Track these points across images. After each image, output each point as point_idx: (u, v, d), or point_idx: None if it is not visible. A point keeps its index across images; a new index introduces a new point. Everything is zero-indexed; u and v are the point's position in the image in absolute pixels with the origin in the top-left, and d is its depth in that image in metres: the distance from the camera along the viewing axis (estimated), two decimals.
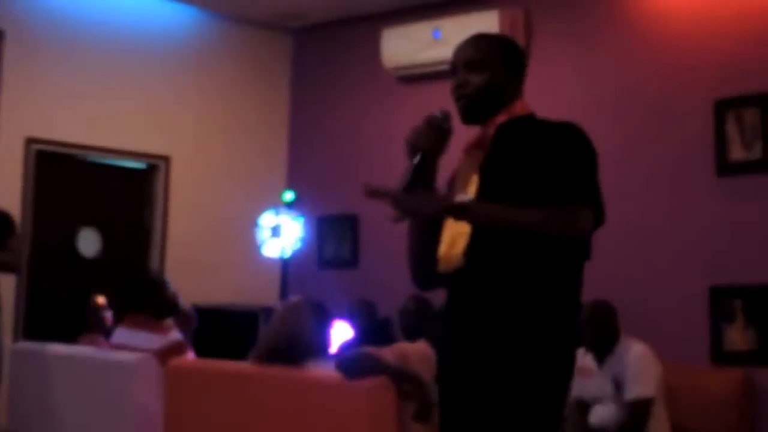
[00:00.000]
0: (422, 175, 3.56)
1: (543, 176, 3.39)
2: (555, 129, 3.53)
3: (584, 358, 6.26)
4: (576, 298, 3.57)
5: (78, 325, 7.92)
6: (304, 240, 9.03)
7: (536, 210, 3.35)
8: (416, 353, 5.31)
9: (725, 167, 6.91)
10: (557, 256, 3.44)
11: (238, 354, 6.01)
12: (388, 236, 8.99)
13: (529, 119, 3.64)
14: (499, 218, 3.39)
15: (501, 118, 3.62)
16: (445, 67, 8.77)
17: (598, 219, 3.43)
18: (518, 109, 3.65)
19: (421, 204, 3.45)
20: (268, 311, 7.93)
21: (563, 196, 3.36)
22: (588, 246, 3.54)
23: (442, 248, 3.61)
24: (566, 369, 3.53)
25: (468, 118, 3.68)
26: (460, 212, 3.39)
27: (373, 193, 3.58)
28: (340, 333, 6.90)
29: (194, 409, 5.60)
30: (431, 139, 3.60)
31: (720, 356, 6.82)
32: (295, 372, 5.04)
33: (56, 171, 8.84)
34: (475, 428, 3.43)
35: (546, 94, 8.03)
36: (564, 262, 3.49)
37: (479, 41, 3.72)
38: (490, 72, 3.63)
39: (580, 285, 3.59)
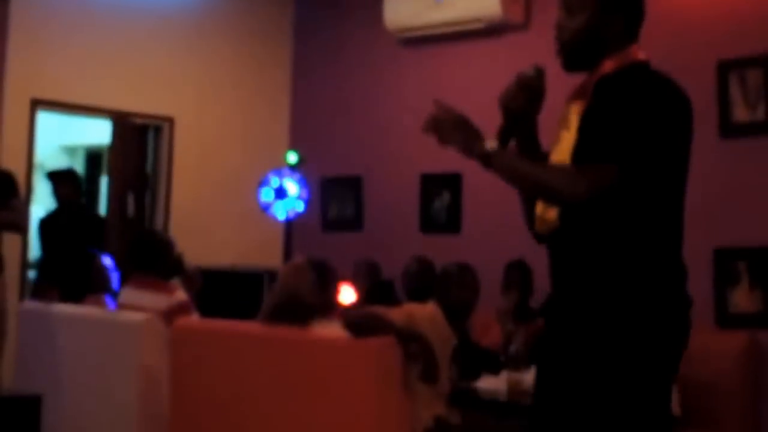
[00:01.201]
0: (512, 136, 3.40)
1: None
2: (636, 92, 3.24)
3: None
4: (675, 258, 3.30)
5: (83, 285, 7.90)
6: (307, 202, 8.98)
7: (549, 167, 3.28)
8: (424, 314, 5.30)
9: (728, 129, 6.85)
10: (647, 221, 3.22)
11: (243, 315, 5.97)
12: (392, 197, 9.00)
13: (633, 71, 3.33)
14: (513, 172, 3.29)
15: (607, 67, 3.36)
16: (447, 29, 8.76)
17: (639, 184, 3.15)
18: (625, 56, 3.36)
19: (451, 133, 3.35)
20: (272, 273, 7.90)
21: (590, 154, 3.20)
22: (672, 209, 3.29)
23: (538, 208, 3.42)
24: (673, 336, 3.27)
25: (567, 65, 3.44)
26: (484, 160, 3.28)
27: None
28: (345, 294, 6.85)
29: (200, 368, 5.58)
30: (521, 99, 3.41)
31: (725, 319, 6.78)
32: (300, 331, 5.01)
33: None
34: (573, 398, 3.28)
35: (549, 56, 7.98)
36: (655, 225, 3.24)
37: None
38: (586, 14, 3.36)
39: (677, 245, 3.31)
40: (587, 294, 3.26)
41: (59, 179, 8.40)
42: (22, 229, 6.99)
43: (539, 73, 3.40)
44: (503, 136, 3.39)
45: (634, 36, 3.39)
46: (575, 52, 3.40)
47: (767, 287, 6.59)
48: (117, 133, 9.00)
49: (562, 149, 3.36)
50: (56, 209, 8.48)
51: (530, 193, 3.41)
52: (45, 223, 8.41)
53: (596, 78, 3.37)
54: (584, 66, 3.41)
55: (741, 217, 6.78)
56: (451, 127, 3.34)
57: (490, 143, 3.29)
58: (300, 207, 8.92)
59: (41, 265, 8.36)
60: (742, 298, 6.72)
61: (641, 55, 3.37)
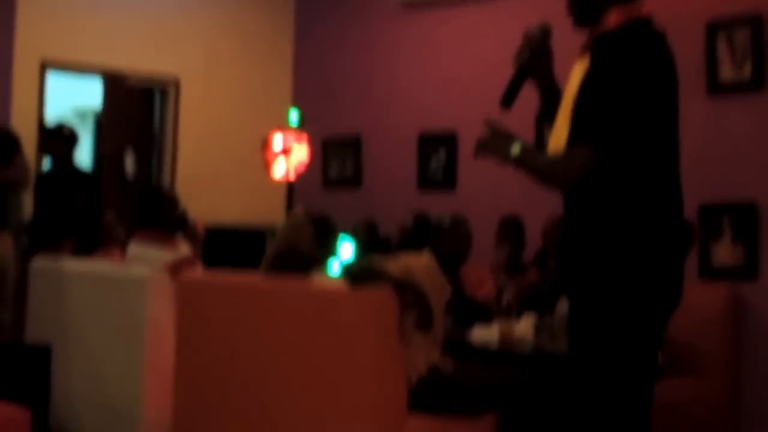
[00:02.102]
0: (519, 87, 3.60)
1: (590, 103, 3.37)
2: (631, 57, 3.37)
3: None
4: (674, 216, 3.47)
5: (93, 239, 7.94)
6: (309, 160, 9.01)
7: (552, 159, 3.45)
8: (419, 264, 5.31)
9: (716, 86, 6.86)
10: (641, 187, 3.38)
11: (247, 269, 5.99)
12: (390, 157, 9.02)
13: (633, 31, 3.46)
14: (531, 168, 3.47)
15: (611, 20, 3.49)
16: None
17: (624, 156, 3.33)
18: (630, 11, 3.51)
19: (491, 146, 3.49)
20: (274, 230, 7.92)
21: (571, 137, 3.37)
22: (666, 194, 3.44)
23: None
24: (665, 291, 3.44)
25: (576, 23, 3.59)
26: (513, 163, 3.45)
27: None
28: (344, 249, 6.89)
29: (204, 319, 5.59)
30: (526, 56, 3.60)
31: (708, 271, 6.81)
32: (300, 282, 5.04)
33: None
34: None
35: (531, 16, 7.94)
36: (650, 189, 3.39)
37: None
38: None
39: (675, 203, 3.47)
40: (592, 251, 3.42)
41: (49, 136, 8.10)
42: (23, 185, 7.00)
43: (544, 31, 3.58)
44: (509, 89, 3.59)
45: None
46: (581, 11, 3.54)
47: (749, 242, 6.62)
48: (109, 93, 8.98)
49: (565, 104, 3.50)
50: (50, 168, 8.22)
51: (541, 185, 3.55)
52: (38, 182, 8.32)
53: (596, 33, 3.49)
54: (588, 22, 3.53)
55: (725, 174, 6.79)
56: (491, 142, 3.50)
57: (515, 148, 3.44)
58: (301, 165, 8.95)
59: (32, 223, 8.21)
60: (724, 252, 6.75)
61: (643, 12, 3.51)
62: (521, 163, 3.45)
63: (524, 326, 5.88)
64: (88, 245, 7.81)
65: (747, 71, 6.69)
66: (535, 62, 3.60)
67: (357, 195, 9.21)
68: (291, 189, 9.12)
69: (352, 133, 9.33)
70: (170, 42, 9.29)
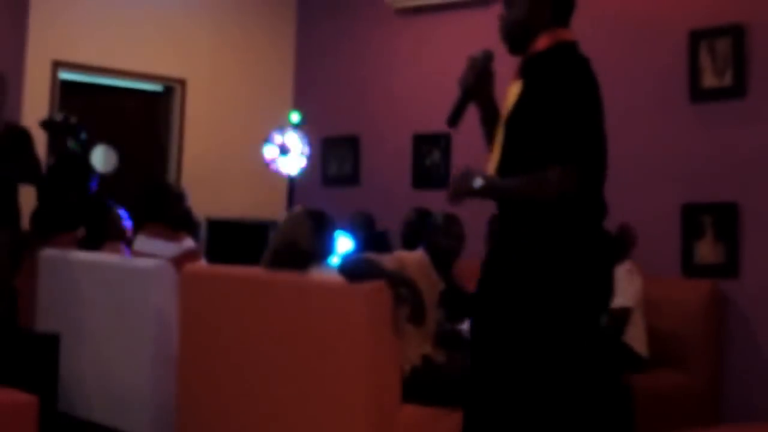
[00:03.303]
0: (464, 108, 3.69)
1: (544, 131, 3.44)
2: (560, 76, 3.50)
3: None
4: (598, 222, 3.61)
5: (100, 233, 7.90)
6: (309, 158, 8.99)
7: (523, 179, 3.46)
8: (413, 261, 5.29)
9: (698, 94, 6.82)
10: (566, 216, 3.47)
11: (249, 262, 5.95)
12: (386, 155, 8.99)
13: (561, 51, 3.60)
14: (501, 193, 3.56)
15: (539, 44, 3.61)
16: (440, 0, 8.70)
17: (594, 170, 3.52)
18: (554, 36, 3.62)
19: (458, 186, 3.54)
20: (276, 224, 7.90)
21: (550, 156, 3.40)
22: (596, 202, 3.61)
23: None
24: (595, 289, 3.51)
25: (510, 50, 3.70)
26: (479, 194, 3.51)
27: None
28: (342, 244, 6.86)
29: (207, 310, 5.60)
30: (471, 78, 3.69)
31: (690, 269, 6.78)
32: (299, 276, 5.01)
33: (80, 93, 8.75)
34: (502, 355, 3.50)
35: None
36: (574, 218, 3.50)
37: None
38: (517, 8, 3.65)
39: (599, 235, 3.60)
40: (524, 250, 3.50)
41: (51, 129, 7.80)
42: (35, 180, 6.95)
43: (487, 56, 3.69)
44: (455, 109, 3.70)
45: (563, 22, 3.66)
46: (513, 39, 3.66)
47: (730, 241, 6.58)
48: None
49: (501, 123, 3.64)
50: (54, 161, 7.90)
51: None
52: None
53: (527, 56, 3.63)
54: (524, 47, 3.65)
55: (707, 176, 6.76)
56: (457, 182, 3.55)
57: (477, 182, 3.49)
58: (302, 163, 8.94)
59: (35, 213, 8.05)
60: (706, 250, 6.71)
61: (569, 36, 3.64)
62: (489, 190, 3.51)
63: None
64: (96, 238, 7.78)
65: (728, 79, 6.65)
66: (478, 85, 3.70)
67: (355, 192, 9.17)
68: (292, 186, 9.10)
69: (351, 134, 9.30)
70: (178, 45, 9.25)
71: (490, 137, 3.78)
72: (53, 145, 7.79)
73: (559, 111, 3.42)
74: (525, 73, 3.62)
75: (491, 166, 3.63)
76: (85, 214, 7.51)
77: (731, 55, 6.65)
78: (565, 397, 3.47)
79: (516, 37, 3.66)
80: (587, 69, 3.58)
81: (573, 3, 3.71)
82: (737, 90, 6.61)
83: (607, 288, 3.57)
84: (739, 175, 6.61)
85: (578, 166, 3.41)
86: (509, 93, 3.66)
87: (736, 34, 6.61)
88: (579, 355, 3.44)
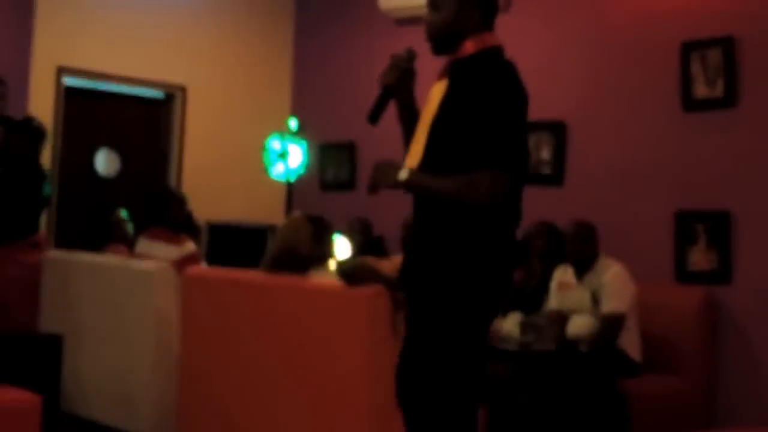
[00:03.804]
0: (385, 105, 3.74)
1: (470, 133, 3.47)
2: (488, 80, 3.52)
3: (565, 273, 6.22)
4: (509, 226, 3.61)
5: (103, 236, 7.90)
6: (307, 164, 8.98)
7: (455, 180, 3.47)
8: None
9: (690, 103, 6.80)
10: (478, 215, 3.50)
11: (248, 265, 6.01)
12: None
13: (487, 55, 3.62)
14: (428, 189, 3.55)
15: (466, 49, 3.63)
16: None
17: (519, 177, 3.51)
18: (481, 40, 3.64)
19: (379, 177, 3.61)
20: (275, 228, 7.90)
21: (480, 159, 3.43)
22: (512, 207, 3.59)
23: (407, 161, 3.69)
24: (492, 284, 3.56)
25: (435, 52, 3.73)
26: (402, 187, 3.57)
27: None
28: (339, 248, 6.85)
29: (208, 312, 5.62)
30: (394, 76, 3.73)
31: (684, 275, 6.76)
32: (298, 279, 5.00)
33: (83, 99, 8.74)
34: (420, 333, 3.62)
35: (519, 36, 7.94)
36: (486, 218, 3.52)
37: None
38: (445, 11, 3.65)
39: (508, 234, 3.62)
40: (436, 254, 3.57)
41: (13, 129, 7.26)
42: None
43: (409, 55, 3.74)
44: (376, 106, 3.74)
45: (490, 25, 3.68)
46: (440, 42, 3.68)
47: (722, 248, 6.57)
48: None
49: (423, 121, 3.65)
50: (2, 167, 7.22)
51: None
52: None
53: (453, 59, 3.66)
54: (447, 52, 3.68)
55: (700, 184, 6.75)
56: (379, 174, 3.62)
57: (402, 174, 3.55)
58: (300, 169, 8.94)
59: None
60: (699, 257, 6.69)
61: (495, 41, 3.66)
62: (413, 184, 3.56)
63: (510, 323, 5.85)
64: (98, 241, 7.79)
65: (719, 89, 6.64)
66: (400, 83, 3.74)
67: (352, 197, 9.15)
68: (290, 191, 9.11)
69: (348, 140, 9.28)
70: (178, 53, 9.23)
71: (408, 136, 3.80)
72: (15, 147, 7.17)
73: (487, 115, 3.44)
74: (450, 75, 3.64)
75: (409, 162, 3.63)
76: (38, 218, 7.33)
77: (722, 66, 6.65)
78: (456, 372, 3.56)
79: (443, 39, 3.67)
80: (513, 74, 3.59)
81: (497, 7, 3.74)
82: (728, 100, 6.59)
83: (502, 289, 3.61)
84: (731, 183, 6.59)
85: (510, 171, 3.44)
86: (432, 93, 3.68)
87: (727, 45, 6.61)
88: (465, 344, 3.54)
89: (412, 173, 3.55)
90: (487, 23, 3.67)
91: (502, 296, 3.63)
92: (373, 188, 3.66)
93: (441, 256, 3.54)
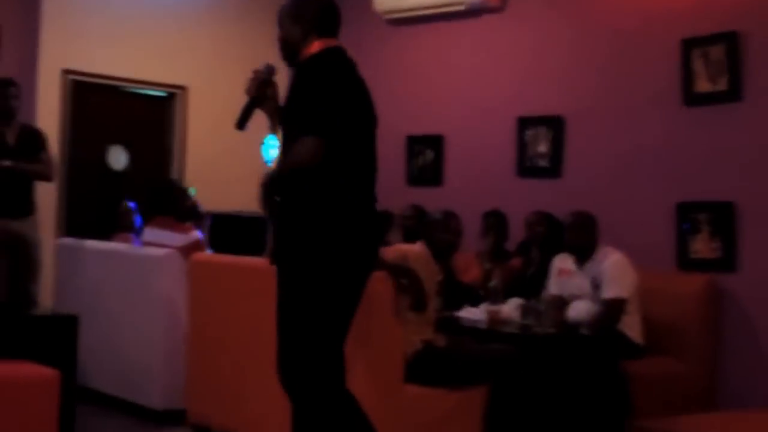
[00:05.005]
0: (250, 114, 4.08)
1: (298, 113, 3.81)
2: (316, 69, 3.92)
3: (566, 261, 6.16)
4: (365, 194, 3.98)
5: (110, 225, 7.91)
6: None
7: (285, 155, 3.84)
8: (414, 253, 5.29)
9: (692, 98, 6.70)
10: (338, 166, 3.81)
11: (247, 252, 6.14)
12: (381, 155, 8.71)
13: (319, 55, 3.99)
14: (277, 176, 3.86)
15: (303, 56, 4.03)
16: (430, 11, 8.67)
17: (338, 143, 3.77)
18: (310, 49, 4.02)
19: (262, 193, 3.93)
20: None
21: (300, 129, 3.76)
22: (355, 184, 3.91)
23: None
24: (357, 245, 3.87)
25: (287, 64, 4.15)
26: (270, 188, 3.88)
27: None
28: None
29: (212, 294, 5.67)
30: (256, 88, 4.07)
31: (686, 263, 6.67)
32: None
33: (89, 98, 8.73)
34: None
35: (517, 31, 7.93)
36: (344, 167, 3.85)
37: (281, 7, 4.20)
38: (283, 29, 4.15)
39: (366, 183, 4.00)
40: (301, 226, 3.85)
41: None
42: (49, 179, 6.93)
43: (269, 69, 4.12)
44: (242, 114, 4.07)
45: (331, 34, 4.10)
46: (285, 55, 4.15)
47: (727, 237, 6.48)
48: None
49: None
50: None
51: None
52: None
53: (298, 62, 4.06)
54: (296, 59, 4.09)
55: (702, 175, 6.65)
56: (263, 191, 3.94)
57: (263, 179, 3.92)
58: None
59: None
60: (702, 246, 6.63)
61: (332, 44, 4.05)
62: (269, 181, 3.89)
63: (511, 308, 5.81)
64: (106, 230, 7.80)
65: (722, 84, 6.54)
66: (261, 94, 4.06)
67: None
68: None
69: None
70: (179, 54, 9.20)
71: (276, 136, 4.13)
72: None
73: (309, 95, 3.80)
74: (294, 75, 4.00)
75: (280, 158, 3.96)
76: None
77: (725, 61, 6.54)
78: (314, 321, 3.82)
79: (285, 53, 4.12)
80: (344, 66, 3.99)
81: (338, 18, 4.17)
82: (733, 94, 6.50)
83: (358, 249, 3.87)
84: (734, 175, 6.51)
85: (320, 136, 3.71)
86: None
87: (730, 40, 6.53)
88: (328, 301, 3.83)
89: (270, 170, 3.95)
90: (326, 33, 4.06)
91: (361, 258, 3.89)
92: (265, 206, 3.97)
93: (297, 224, 3.83)
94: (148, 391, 6.22)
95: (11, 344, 4.97)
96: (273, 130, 4.13)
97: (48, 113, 8.25)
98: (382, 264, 4.62)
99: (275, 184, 3.87)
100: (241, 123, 4.07)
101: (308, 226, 3.81)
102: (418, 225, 6.38)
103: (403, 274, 4.80)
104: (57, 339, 5.13)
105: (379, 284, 4.58)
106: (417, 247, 5.42)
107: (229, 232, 8.39)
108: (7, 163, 6.53)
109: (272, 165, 3.97)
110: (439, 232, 5.53)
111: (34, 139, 6.80)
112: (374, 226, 4.00)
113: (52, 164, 7.02)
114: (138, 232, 7.39)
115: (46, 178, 6.86)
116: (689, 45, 6.75)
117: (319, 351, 3.81)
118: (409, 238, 6.61)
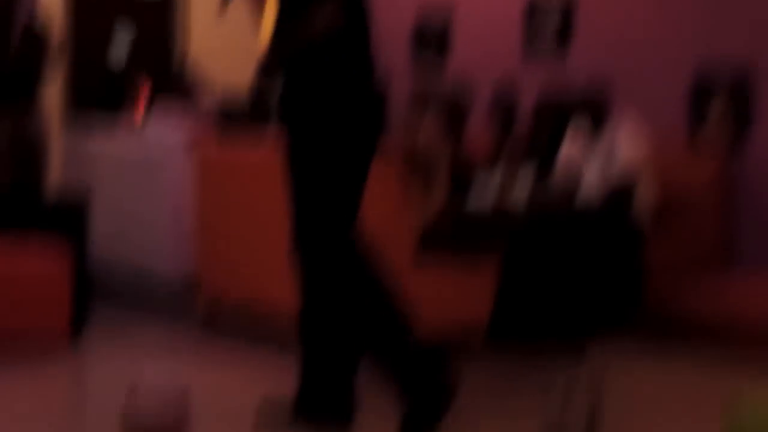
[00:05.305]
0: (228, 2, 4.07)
1: None
2: None
3: (571, 147, 6.08)
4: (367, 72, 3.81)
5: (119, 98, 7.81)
6: None
7: (302, 24, 3.69)
8: (425, 130, 5.26)
9: None
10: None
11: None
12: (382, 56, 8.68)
13: None
14: (301, 41, 3.73)
15: None
16: None
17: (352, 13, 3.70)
18: None
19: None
20: None
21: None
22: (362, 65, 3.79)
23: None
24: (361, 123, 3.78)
25: None
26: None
27: None
28: None
29: (220, 193, 5.68)
30: None
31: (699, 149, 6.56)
32: None
33: None
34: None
35: None
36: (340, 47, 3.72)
37: None
38: None
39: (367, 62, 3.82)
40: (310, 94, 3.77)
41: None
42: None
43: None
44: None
45: None
46: None
47: (737, 123, 6.36)
48: None
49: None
50: None
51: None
52: None
53: None
54: None
55: (723, 38, 6.43)
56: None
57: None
58: None
59: None
60: (713, 131, 6.55)
61: None
62: (292, 49, 3.77)
63: (521, 180, 5.64)
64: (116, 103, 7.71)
65: None
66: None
67: None
68: None
69: None
70: None
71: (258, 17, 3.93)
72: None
73: None
74: None
75: (262, 38, 3.82)
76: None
77: None
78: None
79: None
80: None
81: None
82: None
83: (365, 108, 3.79)
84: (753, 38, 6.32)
85: (337, 3, 3.63)
86: None
87: None
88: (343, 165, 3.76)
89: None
90: None
91: (370, 117, 3.80)
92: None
93: (308, 83, 3.75)
94: (159, 256, 6.28)
95: (26, 217, 5.02)
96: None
97: None
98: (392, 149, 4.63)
99: (290, 55, 3.78)
100: (222, 10, 4.17)
101: (320, 84, 3.73)
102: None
103: (415, 152, 4.83)
104: (70, 209, 5.17)
105: (387, 169, 4.65)
106: (427, 125, 5.37)
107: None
108: None
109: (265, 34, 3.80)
110: (448, 103, 5.49)
111: (35, 45, 6.38)
112: (379, 92, 3.87)
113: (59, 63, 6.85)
114: (148, 107, 7.32)
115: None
116: None
117: (331, 207, 3.76)
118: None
